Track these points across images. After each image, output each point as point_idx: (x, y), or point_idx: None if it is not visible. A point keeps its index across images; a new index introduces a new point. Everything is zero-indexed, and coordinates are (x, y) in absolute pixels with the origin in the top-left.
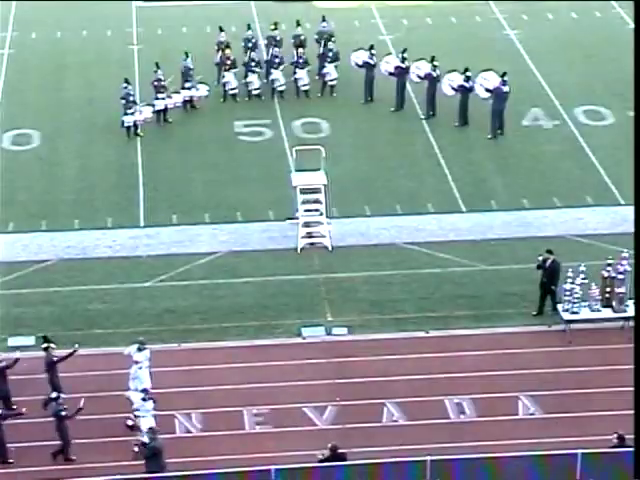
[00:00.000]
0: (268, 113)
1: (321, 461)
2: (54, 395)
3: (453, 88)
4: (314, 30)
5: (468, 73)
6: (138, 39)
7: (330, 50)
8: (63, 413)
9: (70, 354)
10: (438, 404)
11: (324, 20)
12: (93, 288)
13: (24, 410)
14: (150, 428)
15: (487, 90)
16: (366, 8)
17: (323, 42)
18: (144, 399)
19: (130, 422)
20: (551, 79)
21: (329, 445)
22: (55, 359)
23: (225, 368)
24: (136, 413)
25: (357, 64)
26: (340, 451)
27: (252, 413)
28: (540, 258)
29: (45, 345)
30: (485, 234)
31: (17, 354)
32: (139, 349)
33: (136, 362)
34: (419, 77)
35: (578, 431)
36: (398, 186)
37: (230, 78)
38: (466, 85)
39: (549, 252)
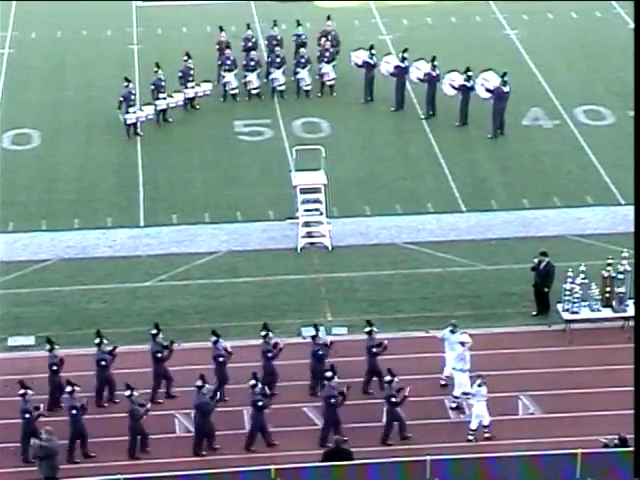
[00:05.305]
0: (268, 113)
1: (326, 453)
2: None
3: (454, 88)
4: (315, 30)
5: (469, 73)
6: (138, 39)
7: (327, 50)
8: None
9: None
10: (438, 404)
11: (329, 19)
12: (93, 288)
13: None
14: (47, 429)
15: (487, 90)
16: (366, 8)
17: (319, 42)
18: (480, 385)
19: (454, 404)
20: (551, 79)
21: (334, 438)
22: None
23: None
24: (456, 396)
25: (357, 64)
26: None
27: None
28: (535, 260)
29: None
30: (485, 234)
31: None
32: (452, 331)
33: (462, 343)
34: (419, 79)
35: (578, 431)
36: (398, 186)
37: (230, 78)
38: (467, 85)
39: (544, 254)
